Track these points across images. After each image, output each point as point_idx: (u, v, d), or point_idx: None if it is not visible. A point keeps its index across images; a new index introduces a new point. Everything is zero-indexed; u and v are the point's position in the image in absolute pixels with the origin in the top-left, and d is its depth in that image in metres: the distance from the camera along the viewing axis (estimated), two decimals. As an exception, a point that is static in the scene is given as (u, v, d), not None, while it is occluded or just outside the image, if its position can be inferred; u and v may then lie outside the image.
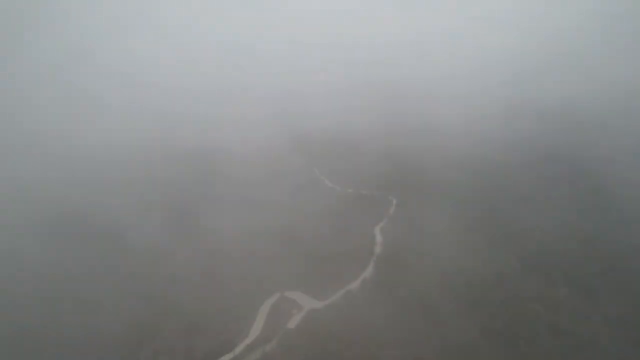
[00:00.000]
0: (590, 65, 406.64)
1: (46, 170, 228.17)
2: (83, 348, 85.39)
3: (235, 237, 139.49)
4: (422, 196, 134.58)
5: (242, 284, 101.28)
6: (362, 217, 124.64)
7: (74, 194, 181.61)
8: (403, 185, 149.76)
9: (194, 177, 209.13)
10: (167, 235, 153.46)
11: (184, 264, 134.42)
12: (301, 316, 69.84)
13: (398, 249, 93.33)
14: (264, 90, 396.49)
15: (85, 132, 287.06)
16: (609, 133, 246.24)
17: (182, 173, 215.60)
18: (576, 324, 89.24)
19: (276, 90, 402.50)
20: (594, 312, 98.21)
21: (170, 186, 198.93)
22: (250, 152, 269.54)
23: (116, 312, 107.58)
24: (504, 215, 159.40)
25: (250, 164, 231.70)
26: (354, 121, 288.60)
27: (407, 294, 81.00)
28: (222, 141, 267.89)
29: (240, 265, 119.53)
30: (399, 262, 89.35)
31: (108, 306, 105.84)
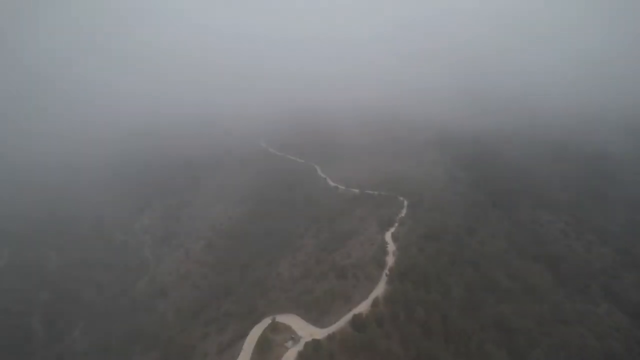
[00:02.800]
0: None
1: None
2: None
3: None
4: (435, 196, 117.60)
5: (226, 304, 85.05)
6: (370, 220, 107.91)
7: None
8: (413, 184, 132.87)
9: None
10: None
11: (166, 270, 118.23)
12: (297, 351, 53.30)
13: (414, 259, 76.40)
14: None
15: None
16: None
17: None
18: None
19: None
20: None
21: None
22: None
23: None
24: (525, 216, 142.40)
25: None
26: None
27: (428, 316, 64.33)
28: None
29: (222, 277, 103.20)
30: (415, 275, 72.59)
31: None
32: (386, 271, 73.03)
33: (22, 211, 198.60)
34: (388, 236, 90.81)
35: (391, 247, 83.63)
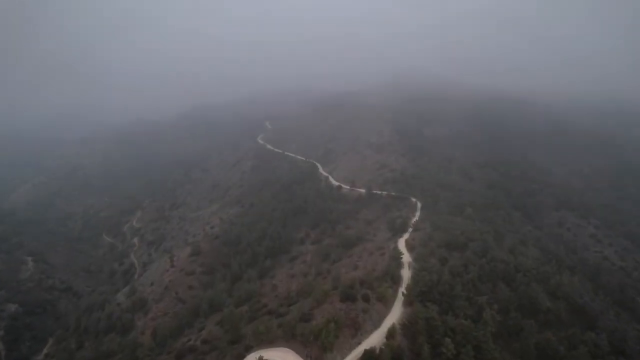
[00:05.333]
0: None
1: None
2: None
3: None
4: (452, 197, 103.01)
5: (210, 324, 71.20)
6: (379, 224, 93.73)
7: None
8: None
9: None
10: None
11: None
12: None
13: (436, 274, 61.96)
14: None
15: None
16: None
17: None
18: None
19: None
20: None
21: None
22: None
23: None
24: (548, 219, 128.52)
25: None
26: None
27: (458, 349, 50.25)
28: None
29: (209, 290, 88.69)
30: (439, 294, 58.31)
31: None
32: (403, 289, 58.74)
33: (2, 211, 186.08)
34: (401, 244, 76.58)
35: (406, 257, 69.32)
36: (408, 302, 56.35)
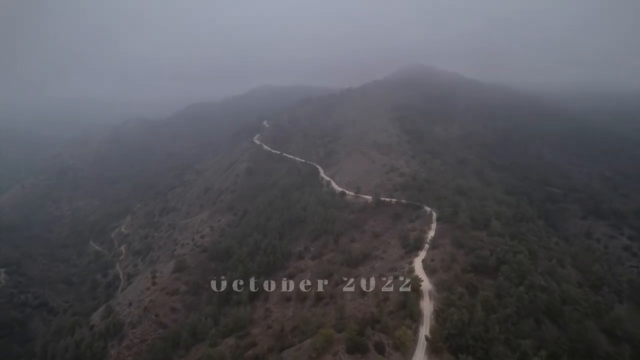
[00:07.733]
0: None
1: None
2: None
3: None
4: (473, 207, 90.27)
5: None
6: (389, 237, 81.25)
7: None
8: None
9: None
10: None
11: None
12: None
13: (467, 311, 49.41)
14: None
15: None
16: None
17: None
18: None
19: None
20: None
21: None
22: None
23: None
24: (574, 228, 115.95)
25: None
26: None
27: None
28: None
29: (192, 313, 76.56)
30: (472, 339, 45.88)
31: None
32: (426, 332, 46.23)
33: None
34: (418, 264, 64.18)
35: (426, 284, 56.76)
36: (433, 350, 43.88)
